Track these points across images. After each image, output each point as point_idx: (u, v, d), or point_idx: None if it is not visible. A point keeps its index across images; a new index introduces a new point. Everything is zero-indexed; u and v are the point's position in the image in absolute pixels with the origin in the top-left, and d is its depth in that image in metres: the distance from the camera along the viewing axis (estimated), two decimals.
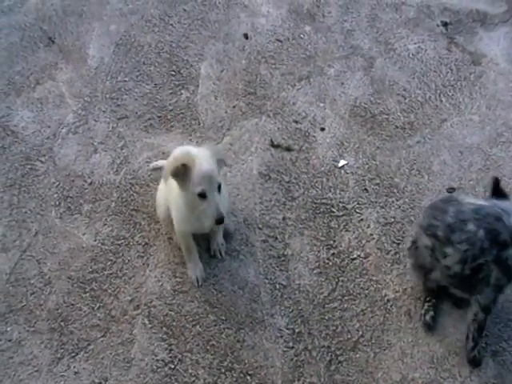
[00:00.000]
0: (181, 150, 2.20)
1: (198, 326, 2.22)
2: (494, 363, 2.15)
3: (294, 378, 2.10)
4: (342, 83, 3.11)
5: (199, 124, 2.90)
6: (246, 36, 3.34)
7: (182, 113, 2.95)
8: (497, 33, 3.43)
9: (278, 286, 2.32)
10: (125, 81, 3.11)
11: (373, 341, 2.18)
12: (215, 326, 2.22)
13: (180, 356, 2.15)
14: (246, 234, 2.46)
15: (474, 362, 2.14)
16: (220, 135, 2.85)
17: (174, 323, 2.22)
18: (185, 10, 3.44)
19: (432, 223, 2.11)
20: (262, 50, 3.25)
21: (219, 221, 2.03)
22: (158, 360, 2.15)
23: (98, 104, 3.00)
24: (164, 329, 2.21)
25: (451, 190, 2.63)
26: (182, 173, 2.04)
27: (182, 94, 3.04)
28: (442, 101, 3.03)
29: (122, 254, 2.41)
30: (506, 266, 2.00)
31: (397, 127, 2.89)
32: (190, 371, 2.12)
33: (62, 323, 2.25)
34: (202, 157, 2.06)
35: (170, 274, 2.35)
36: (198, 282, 2.32)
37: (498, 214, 1.99)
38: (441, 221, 2.08)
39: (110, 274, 2.36)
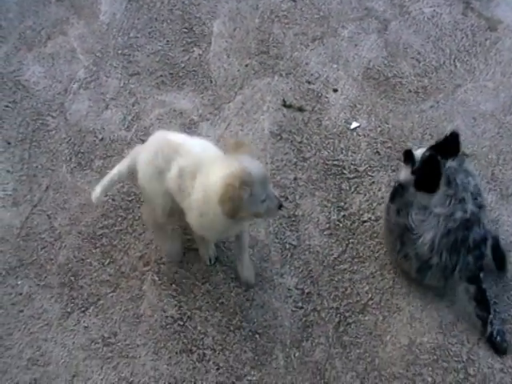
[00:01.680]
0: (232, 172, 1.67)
1: (207, 284, 2.05)
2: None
3: (302, 338, 1.95)
4: (356, 45, 2.83)
5: (211, 82, 2.66)
6: None
7: (193, 70, 2.71)
8: None
9: (287, 246, 2.15)
10: (137, 37, 2.84)
11: (382, 304, 2.01)
12: (225, 284, 2.05)
13: (189, 313, 1.99)
14: None
15: (496, 347, 1.92)
16: (232, 94, 2.61)
17: (184, 280, 2.06)
18: None
19: None
20: (276, 9, 2.97)
21: (281, 206, 1.75)
22: (167, 316, 1.99)
23: (110, 60, 2.75)
24: (173, 286, 2.05)
25: (464, 156, 2.42)
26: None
27: (194, 51, 2.78)
28: (456, 66, 2.77)
29: (133, 211, 2.22)
30: None
31: (410, 91, 2.64)
32: (198, 328, 1.97)
33: (72, 278, 2.09)
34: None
35: (180, 231, 2.17)
36: (210, 261, 2.10)
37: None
38: None
39: (120, 230, 2.18)
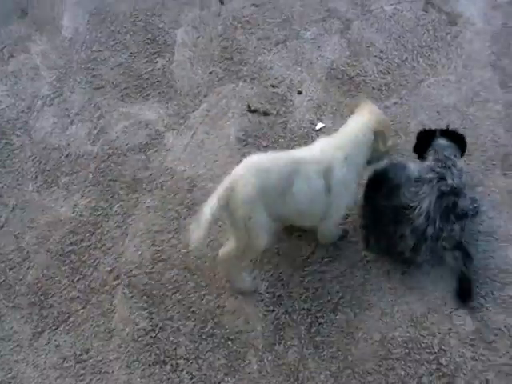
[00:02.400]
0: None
1: (178, 294, 2.07)
2: (471, 320, 2.03)
3: (275, 341, 1.97)
4: (319, 46, 2.88)
5: (176, 91, 2.69)
6: (221, 1, 3.09)
7: (158, 81, 2.74)
8: None
9: None
10: (100, 51, 2.87)
11: (353, 302, 2.05)
12: (195, 292, 2.07)
13: (161, 324, 2.01)
14: None
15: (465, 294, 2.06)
16: (197, 102, 2.64)
17: (154, 292, 2.08)
18: None
19: None
20: (238, 15, 3.01)
21: None
22: (139, 329, 2.01)
23: (74, 75, 2.78)
24: (144, 298, 2.07)
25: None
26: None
27: (157, 61, 2.81)
28: (418, 61, 2.83)
29: (101, 225, 2.25)
30: None
31: (374, 89, 2.70)
32: (171, 339, 1.99)
33: (42, 297, 2.10)
34: None
35: (149, 243, 2.19)
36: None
37: None
38: None
39: (89, 245, 2.20)
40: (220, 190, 1.85)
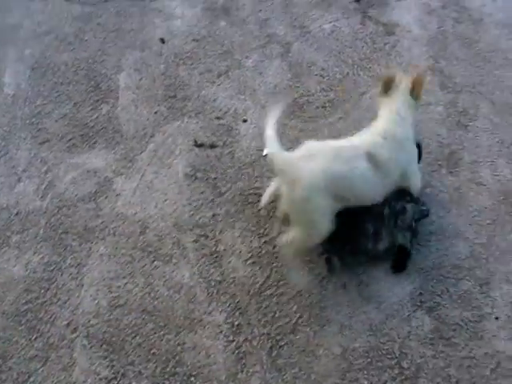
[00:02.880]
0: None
1: (137, 337, 2.22)
2: (429, 319, 2.21)
3: (237, 371, 2.12)
4: (261, 72, 3.14)
5: (122, 136, 2.90)
6: (162, 40, 3.36)
7: (103, 127, 2.95)
8: (407, 1, 3.49)
9: (213, 283, 2.34)
10: (44, 104, 3.10)
11: (311, 320, 2.22)
12: (155, 333, 2.23)
13: (122, 370, 2.16)
14: (178, 237, 2.47)
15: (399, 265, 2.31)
16: (144, 143, 2.85)
17: (114, 339, 2.23)
18: (99, 23, 3.44)
19: None
20: (180, 51, 3.28)
21: None
22: (100, 379, 2.14)
23: (18, 132, 2.99)
24: (104, 346, 2.22)
25: None
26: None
27: (102, 108, 3.04)
28: (359, 74, 3.09)
29: (56, 279, 2.40)
30: None
31: (318, 107, 2.94)
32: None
33: (0, 361, 2.23)
34: None
35: (106, 290, 2.35)
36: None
37: None
38: None
39: (45, 301, 2.35)
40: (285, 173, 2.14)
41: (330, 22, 3.40)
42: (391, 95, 2.36)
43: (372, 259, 2.34)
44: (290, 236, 2.18)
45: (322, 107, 2.94)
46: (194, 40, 3.34)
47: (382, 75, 2.41)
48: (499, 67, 3.14)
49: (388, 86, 2.37)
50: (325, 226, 2.10)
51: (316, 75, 3.10)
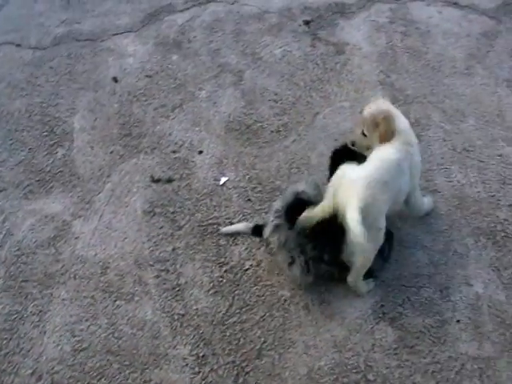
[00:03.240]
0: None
1: (103, 379, 2.33)
2: (392, 329, 2.36)
3: None
4: (215, 102, 3.35)
5: (79, 178, 3.06)
6: (115, 79, 3.57)
7: (60, 171, 3.11)
8: (356, 20, 3.78)
9: (176, 317, 2.47)
10: None
11: (276, 343, 2.35)
12: (120, 373, 2.34)
13: None
14: (139, 275, 2.62)
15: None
16: (101, 184, 3.01)
17: (79, 383, 2.33)
18: (51, 67, 3.65)
19: None
20: (133, 89, 3.48)
21: None
22: None
23: None
24: None
25: None
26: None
27: (57, 152, 3.20)
28: (312, 96, 3.31)
29: (17, 329, 2.52)
30: None
31: (272, 132, 3.14)
32: None
33: None
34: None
35: (69, 335, 2.46)
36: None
37: None
38: None
39: (7, 352, 2.46)
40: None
41: (281, 47, 3.64)
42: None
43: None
44: (354, 270, 2.40)
45: (277, 132, 3.14)
46: (147, 76, 3.56)
47: (367, 114, 2.45)
48: (448, 76, 3.39)
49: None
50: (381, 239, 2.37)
51: (269, 100, 3.31)
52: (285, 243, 2.40)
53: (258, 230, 2.57)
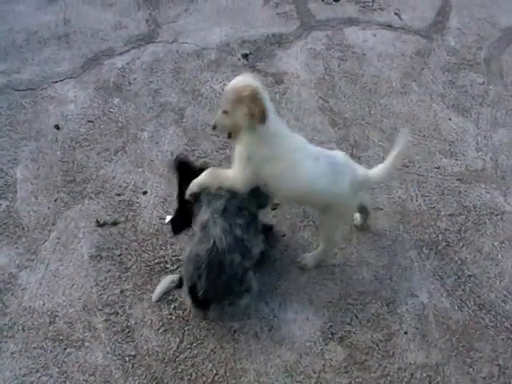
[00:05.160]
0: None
1: None
2: (342, 348, 2.54)
3: None
4: (157, 142, 3.54)
5: (23, 229, 3.18)
6: (57, 127, 3.74)
7: (4, 223, 3.22)
8: (294, 49, 4.08)
9: (127, 359, 2.60)
10: None
11: (228, 374, 2.50)
12: None
13: None
14: (88, 320, 2.73)
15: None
16: (46, 233, 3.14)
17: None
18: None
19: None
20: (75, 135, 3.65)
21: None
22: None
23: None
24: None
25: (275, 205, 3.05)
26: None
27: (1, 204, 3.32)
28: None
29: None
30: None
31: (215, 165, 3.32)
32: None
33: None
34: None
35: None
36: None
37: None
38: None
39: None
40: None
41: (221, 82, 3.88)
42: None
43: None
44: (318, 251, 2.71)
45: (219, 165, 3.33)
46: (88, 121, 3.74)
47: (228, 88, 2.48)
48: (384, 96, 3.68)
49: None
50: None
51: (211, 135, 3.52)
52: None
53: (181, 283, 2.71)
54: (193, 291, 2.53)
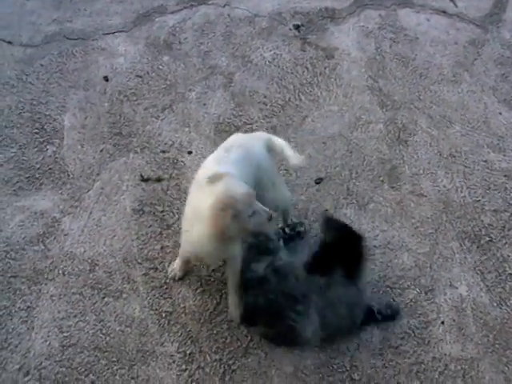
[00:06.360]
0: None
1: (91, 375, 2.36)
2: (378, 330, 2.44)
3: None
4: (204, 104, 3.39)
5: (68, 176, 3.08)
6: (106, 78, 3.59)
7: (50, 168, 3.12)
8: (346, 25, 3.86)
9: (164, 315, 2.51)
10: None
11: (262, 342, 2.40)
12: (108, 369, 2.37)
13: None
14: (127, 272, 2.65)
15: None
16: (90, 182, 3.03)
17: (67, 378, 2.35)
18: (42, 64, 3.65)
19: None
20: (124, 88, 3.51)
21: (271, 218, 2.14)
22: None
23: None
24: None
25: (319, 180, 2.93)
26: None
27: (47, 149, 3.21)
28: (301, 99, 3.36)
29: (5, 324, 2.53)
30: None
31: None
32: None
33: None
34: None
35: (57, 331, 2.48)
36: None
37: None
38: None
39: None
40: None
41: (271, 50, 3.70)
42: None
43: None
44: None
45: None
46: (137, 76, 3.58)
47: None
48: (435, 82, 3.48)
49: None
50: None
51: (259, 103, 3.36)
52: None
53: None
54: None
